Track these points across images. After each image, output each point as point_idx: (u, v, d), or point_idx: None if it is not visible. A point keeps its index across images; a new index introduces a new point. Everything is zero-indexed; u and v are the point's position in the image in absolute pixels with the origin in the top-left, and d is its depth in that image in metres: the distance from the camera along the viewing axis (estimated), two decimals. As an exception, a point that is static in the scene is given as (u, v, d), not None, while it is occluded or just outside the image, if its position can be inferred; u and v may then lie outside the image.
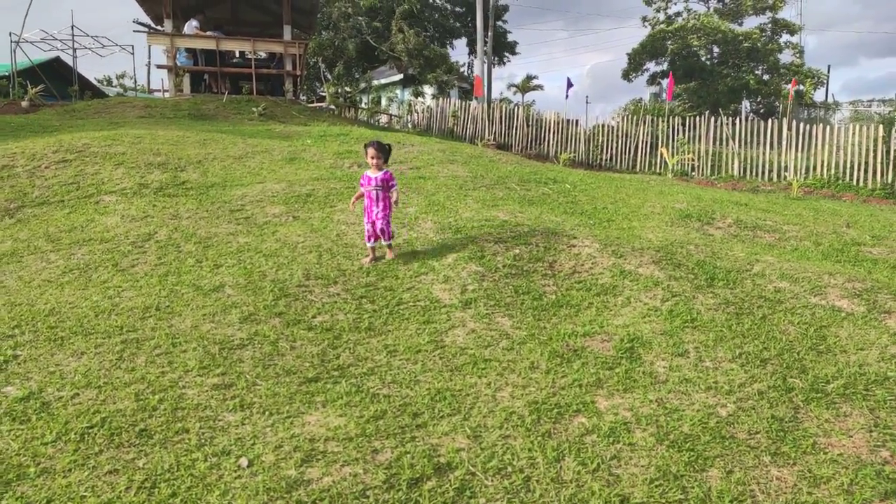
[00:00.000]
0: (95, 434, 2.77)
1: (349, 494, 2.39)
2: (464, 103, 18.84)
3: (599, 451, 2.72)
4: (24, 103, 15.44)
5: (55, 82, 18.55)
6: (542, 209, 6.71)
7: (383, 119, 21.41)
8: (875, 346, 3.74)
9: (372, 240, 5.00)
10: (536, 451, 2.71)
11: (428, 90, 27.35)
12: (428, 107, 20.05)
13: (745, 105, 32.39)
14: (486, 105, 18.57)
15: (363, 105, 21.60)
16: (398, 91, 29.28)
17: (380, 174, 4.98)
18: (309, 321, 4.13)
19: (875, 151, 12.85)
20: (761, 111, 31.52)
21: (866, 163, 12.93)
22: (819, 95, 32.99)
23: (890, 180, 12.69)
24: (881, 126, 13.08)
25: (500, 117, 17.87)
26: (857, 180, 13.03)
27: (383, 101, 24.27)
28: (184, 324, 4.00)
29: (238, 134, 11.03)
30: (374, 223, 4.95)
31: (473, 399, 3.18)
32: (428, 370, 3.52)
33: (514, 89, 33.72)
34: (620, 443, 2.79)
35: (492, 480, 2.52)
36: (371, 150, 4.96)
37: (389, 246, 5.10)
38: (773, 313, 4.19)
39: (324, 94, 22.56)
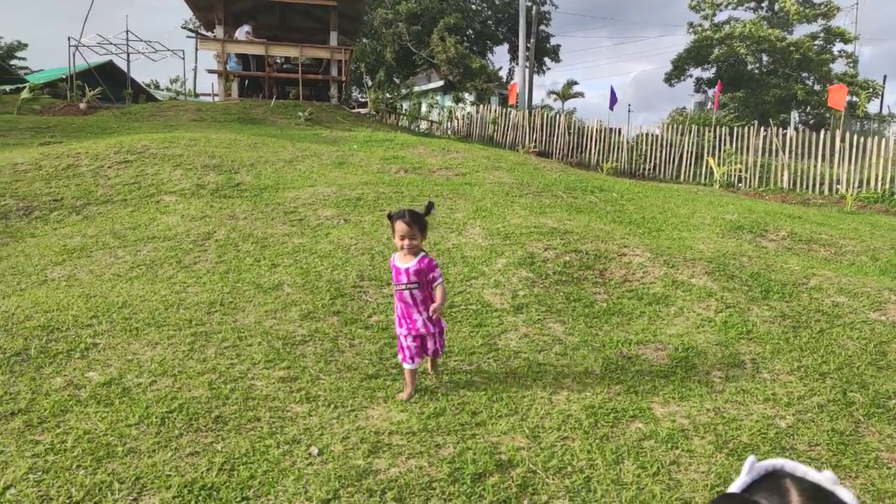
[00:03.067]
0: (175, 418, 2.94)
1: (416, 486, 2.49)
2: (504, 110, 18.91)
3: (658, 456, 2.76)
4: (83, 105, 16.17)
5: (109, 85, 19.38)
6: (590, 217, 6.73)
7: (423, 125, 21.64)
8: (940, 364, 3.67)
9: (415, 359, 3.23)
10: (595, 454, 2.76)
11: (468, 97, 27.52)
12: (468, 113, 20.18)
13: (794, 116, 31.57)
14: (526, 112, 18.59)
15: (403, 111, 21.89)
16: (438, 97, 29.55)
17: (413, 263, 3.16)
18: (365, 320, 4.26)
19: (934, 165, 12.41)
20: (811, 122, 30.69)
21: (924, 177, 12.49)
22: (873, 107, 31.94)
23: (950, 196, 12.23)
24: (941, 139, 12.62)
25: (542, 125, 17.86)
26: (914, 195, 12.58)
27: (423, 107, 24.54)
28: (247, 319, 4.17)
29: (287, 138, 11.34)
30: (419, 337, 3.24)
31: (530, 401, 3.25)
32: (483, 372, 3.60)
33: (553, 96, 33.57)
34: (679, 449, 2.82)
35: (553, 479, 2.58)
36: (401, 226, 3.10)
37: (435, 361, 3.49)
38: (832, 328, 4.14)
39: (364, 99, 22.95)
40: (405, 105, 22.65)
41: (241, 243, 5.81)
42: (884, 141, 13.35)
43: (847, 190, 12.98)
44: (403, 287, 3.20)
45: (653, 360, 3.74)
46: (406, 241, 3.12)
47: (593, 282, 4.96)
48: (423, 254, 3.20)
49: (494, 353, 3.84)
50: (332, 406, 3.12)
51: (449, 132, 20.16)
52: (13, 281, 5.06)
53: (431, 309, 3.18)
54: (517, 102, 19.88)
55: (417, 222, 3.13)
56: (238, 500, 2.39)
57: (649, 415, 3.12)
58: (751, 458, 1.03)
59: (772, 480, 1.00)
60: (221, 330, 3.97)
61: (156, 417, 2.94)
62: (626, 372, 3.58)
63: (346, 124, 15.07)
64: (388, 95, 20.55)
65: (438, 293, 3.20)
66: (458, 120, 20.23)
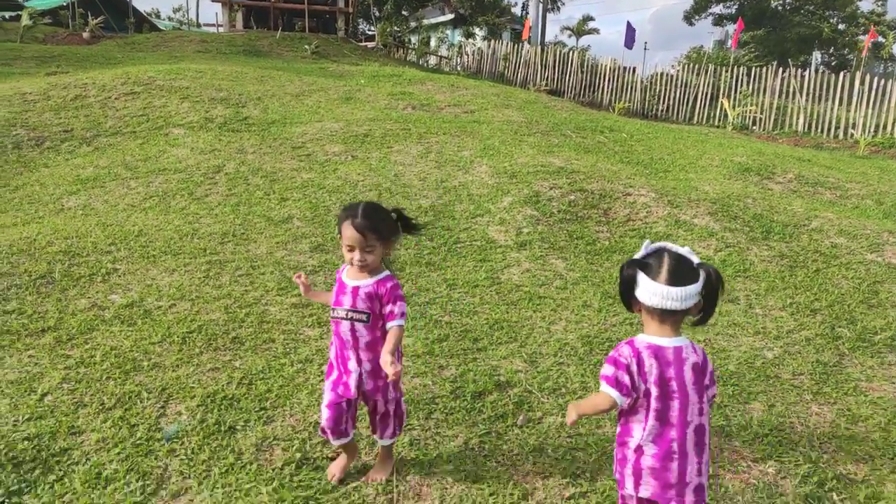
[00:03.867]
0: (195, 338, 3.13)
1: (420, 400, 2.68)
2: (515, 46, 18.42)
3: (648, 381, 2.93)
4: (86, 35, 15.91)
5: (111, 13, 18.95)
6: (597, 157, 6.74)
7: (432, 60, 21.16)
8: (928, 303, 3.79)
9: (335, 434, 2.15)
10: (589, 377, 2.94)
11: (479, 31, 26.73)
12: (479, 49, 19.69)
13: (816, 56, 30.54)
14: (539, 48, 18.12)
15: (412, 45, 21.36)
16: (448, 31, 28.70)
17: (369, 282, 2.08)
18: (373, 253, 4.40)
19: (953, 110, 12.15)
20: (833, 63, 29.71)
21: (941, 122, 12.26)
22: (897, 48, 30.79)
23: (966, 142, 12.03)
24: (963, 83, 12.30)
25: (554, 62, 17.45)
26: (930, 141, 12.38)
27: (433, 42, 23.90)
28: (259, 250, 4.32)
29: (293, 71, 11.20)
30: (347, 390, 2.11)
31: (529, 330, 3.41)
32: (486, 303, 3.75)
33: (568, 32, 32.56)
34: (668, 375, 2.99)
35: (547, 398, 2.77)
36: (349, 231, 2.01)
37: (387, 445, 2.25)
38: (828, 267, 4.25)
39: (372, 32, 22.33)
40: (414, 39, 22.06)
41: (251, 177, 5.90)
42: (904, 84, 13.01)
43: (861, 134, 12.78)
44: (343, 315, 2.09)
45: (650, 294, 3.88)
46: (356, 255, 2.02)
47: (597, 220, 5.05)
48: (385, 273, 2.11)
49: (497, 287, 3.98)
50: (342, 330, 3.29)
51: (458, 68, 19.75)
52: (31, 209, 5.21)
53: (382, 361, 1.97)
54: (529, 38, 19.33)
55: (375, 229, 2.01)
56: (257, 409, 2.59)
57: (643, 344, 3.27)
58: (646, 241, 1.75)
59: (657, 252, 1.71)
60: (235, 259, 4.12)
61: (177, 337, 3.13)
62: (622, 305, 3.72)
63: (352, 58, 14.80)
64: (396, 29, 20.01)
65: (390, 336, 2.01)
66: (467, 56, 19.77)
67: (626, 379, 1.64)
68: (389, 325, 2.04)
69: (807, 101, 14.15)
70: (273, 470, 2.26)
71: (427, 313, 3.56)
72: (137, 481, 2.20)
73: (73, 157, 6.72)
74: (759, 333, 3.45)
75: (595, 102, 16.35)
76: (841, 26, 30.69)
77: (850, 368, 3.12)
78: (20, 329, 3.14)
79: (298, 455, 2.34)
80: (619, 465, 1.73)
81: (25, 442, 2.35)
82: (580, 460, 2.37)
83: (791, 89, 14.42)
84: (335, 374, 2.16)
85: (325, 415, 2.13)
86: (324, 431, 2.17)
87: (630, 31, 17.57)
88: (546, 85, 16.84)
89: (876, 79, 13.42)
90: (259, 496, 2.13)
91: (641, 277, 1.69)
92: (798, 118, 14.12)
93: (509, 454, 2.39)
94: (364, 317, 2.07)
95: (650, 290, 1.65)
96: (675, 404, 1.64)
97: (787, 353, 3.25)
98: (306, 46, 14.56)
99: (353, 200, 4.57)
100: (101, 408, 2.57)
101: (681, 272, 1.65)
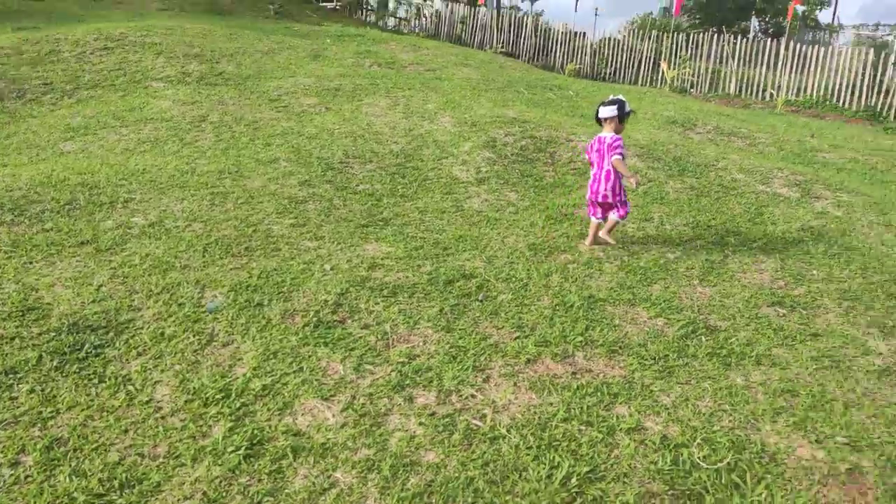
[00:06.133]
0: (214, 248, 3.82)
1: (404, 286, 3.48)
2: (472, 10, 18.92)
3: (577, 273, 3.81)
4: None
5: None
6: (546, 111, 7.56)
7: (391, 22, 21.43)
8: (799, 220, 4.80)
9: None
10: (533, 271, 3.80)
11: (436, -6, 26.91)
12: (437, 11, 20.09)
13: (754, 24, 32.03)
14: (494, 12, 18.68)
15: (371, 6, 21.54)
16: (405, -7, 28.73)
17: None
18: (354, 188, 5.12)
19: (863, 75, 13.47)
20: (770, 31, 31.24)
21: (854, 85, 13.57)
22: (826, 17, 32.54)
23: (873, 103, 13.40)
24: (871, 51, 13.60)
25: (509, 25, 18.07)
26: (844, 102, 13.71)
27: (390, 4, 24.05)
28: (254, 184, 4.98)
29: (260, 31, 11.52)
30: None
31: (487, 241, 4.24)
32: (452, 224, 4.56)
33: (522, -3, 32.98)
34: (593, 269, 3.88)
35: (501, 284, 3.61)
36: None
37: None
38: (726, 196, 5.22)
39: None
40: (372, 1, 22.22)
41: (235, 125, 6.47)
42: (822, 51, 14.27)
43: (782, 95, 14.02)
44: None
45: (584, 217, 4.76)
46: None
47: (544, 162, 5.89)
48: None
49: (461, 213, 4.78)
50: (336, 243, 4.04)
51: (417, 30, 20.12)
52: (32, 153, 5.68)
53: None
54: (486, 2, 19.83)
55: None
56: (276, 293, 3.34)
57: (575, 251, 4.15)
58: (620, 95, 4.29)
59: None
60: (234, 191, 4.78)
61: (199, 247, 3.82)
62: (562, 224, 4.60)
63: (315, 18, 15.07)
64: (354, -11, 20.14)
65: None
66: (426, 18, 20.14)
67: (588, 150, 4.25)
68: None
69: (739, 66, 15.29)
70: (296, 328, 3.03)
71: (404, 231, 4.33)
72: (193, 337, 2.94)
73: (56, 108, 7.10)
74: (667, 242, 4.38)
75: (548, 65, 17.12)
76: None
77: (731, 264, 4.08)
78: (62, 241, 3.77)
79: (315, 319, 3.11)
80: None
81: (96, 315, 3.04)
82: (524, 318, 3.23)
83: (725, 55, 15.53)
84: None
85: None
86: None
87: (581, -4, 18.28)
88: (502, 48, 17.48)
89: (798, 45, 14.63)
90: (289, 342, 2.91)
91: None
92: (730, 82, 15.27)
93: (472, 316, 3.23)
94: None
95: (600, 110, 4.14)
96: (596, 159, 4.13)
97: (684, 254, 4.18)
98: (270, 6, 14.74)
99: (331, 145, 5.17)
100: (150, 293, 3.27)
101: (607, 101, 4.10)
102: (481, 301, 3.40)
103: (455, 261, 3.89)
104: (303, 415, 2.44)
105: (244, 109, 6.93)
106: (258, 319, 3.08)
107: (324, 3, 20.47)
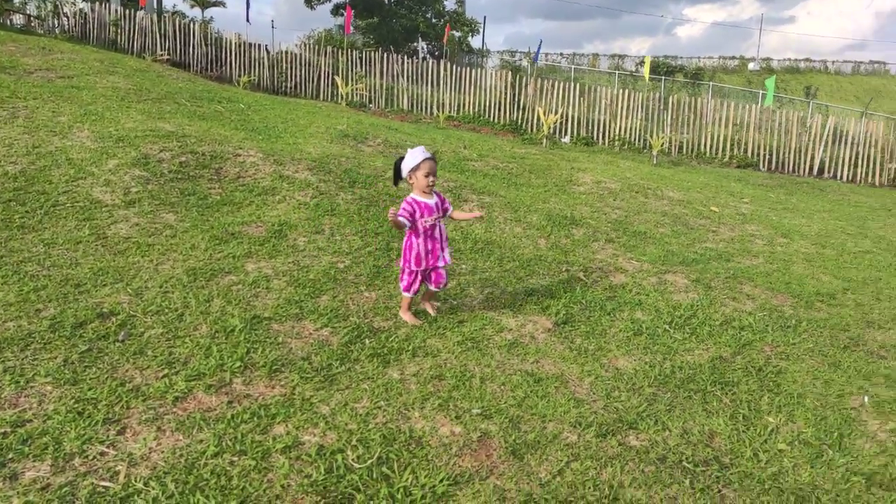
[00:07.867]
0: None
1: (14, 338, 2.80)
2: (128, 12, 16.92)
3: (243, 294, 3.60)
4: None
5: None
6: (212, 124, 7.09)
7: (18, 20, 17.79)
8: (451, 222, 5.41)
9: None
10: (191, 298, 3.45)
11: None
12: (81, 10, 17.38)
13: (423, 45, 35.92)
14: (155, 17, 17.02)
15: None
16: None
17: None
18: None
19: (505, 94, 16.20)
20: (436, 53, 35.43)
21: (500, 103, 16.22)
22: (477, 43, 38.50)
23: (514, 118, 16.21)
24: (510, 73, 16.46)
25: (174, 32, 16.67)
26: (493, 117, 16.29)
27: (19, -3, 19.93)
28: None
29: None
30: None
31: (136, 271, 3.72)
32: (89, 255, 3.88)
33: (191, 2, 30.86)
34: (260, 287, 3.72)
35: (150, 318, 3.18)
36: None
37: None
38: (392, 204, 5.61)
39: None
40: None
41: None
42: (474, 72, 16.70)
43: (444, 112, 15.98)
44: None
45: (253, 234, 4.56)
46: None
47: (209, 178, 5.49)
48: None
49: (103, 241, 4.11)
50: None
51: (56, 31, 17.12)
52: None
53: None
54: (146, 5, 17.91)
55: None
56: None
57: (242, 270, 3.93)
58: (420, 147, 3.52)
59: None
60: None
61: None
62: (228, 244, 4.31)
63: None
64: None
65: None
66: (68, 18, 17.26)
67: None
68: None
69: (408, 83, 16.90)
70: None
71: (21, 270, 3.52)
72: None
73: None
74: (337, 252, 4.47)
75: (224, 77, 16.32)
76: (434, 20, 36.79)
77: (396, 268, 4.36)
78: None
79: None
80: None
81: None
82: (176, 352, 2.89)
83: (395, 73, 17.00)
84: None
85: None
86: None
87: (248, 5, 17.98)
88: (168, 56, 16.02)
89: (456, 66, 16.87)
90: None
91: None
92: (403, 98, 16.78)
93: (110, 360, 2.76)
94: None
95: None
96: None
97: (354, 263, 4.32)
98: None
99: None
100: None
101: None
102: (122, 341, 2.94)
103: (90, 298, 3.30)
104: None
105: None
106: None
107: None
